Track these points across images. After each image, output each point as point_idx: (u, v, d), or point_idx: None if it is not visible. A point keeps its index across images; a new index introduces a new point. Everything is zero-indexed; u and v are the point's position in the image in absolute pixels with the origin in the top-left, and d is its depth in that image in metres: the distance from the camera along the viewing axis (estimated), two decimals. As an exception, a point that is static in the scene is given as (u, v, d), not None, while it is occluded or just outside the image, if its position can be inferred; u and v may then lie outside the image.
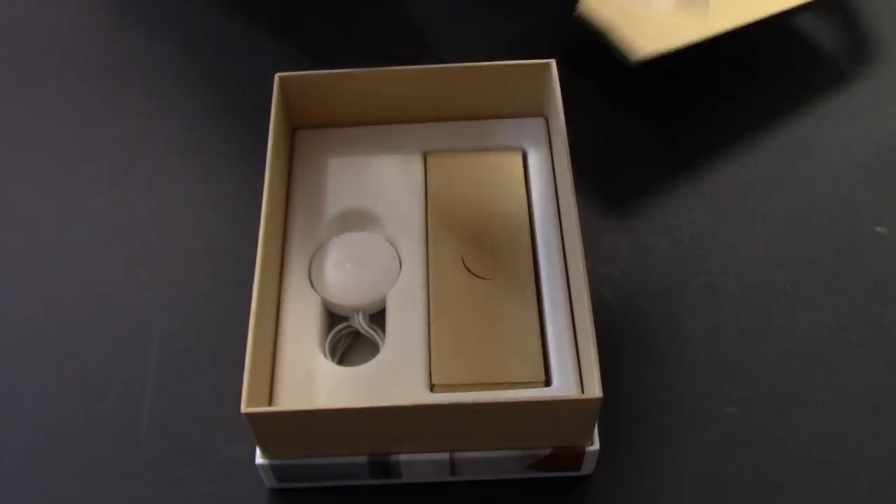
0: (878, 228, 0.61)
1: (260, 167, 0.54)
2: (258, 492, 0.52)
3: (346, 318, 0.56)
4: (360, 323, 0.55)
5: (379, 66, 0.60)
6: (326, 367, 0.52)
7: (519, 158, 0.61)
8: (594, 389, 0.47)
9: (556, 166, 0.59)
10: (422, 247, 0.57)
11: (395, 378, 0.52)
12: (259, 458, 0.50)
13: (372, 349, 0.54)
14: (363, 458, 0.50)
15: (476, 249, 0.57)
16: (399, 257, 0.57)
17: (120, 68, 0.72)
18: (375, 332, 0.55)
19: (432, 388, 0.52)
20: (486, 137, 0.62)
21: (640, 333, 0.57)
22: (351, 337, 0.56)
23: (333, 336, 0.55)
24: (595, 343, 0.47)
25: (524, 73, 0.60)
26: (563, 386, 0.51)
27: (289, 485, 0.52)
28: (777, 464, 0.52)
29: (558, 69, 0.59)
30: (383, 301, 0.55)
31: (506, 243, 0.57)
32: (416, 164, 0.61)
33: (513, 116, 0.63)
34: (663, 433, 0.54)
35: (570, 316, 0.54)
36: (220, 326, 0.58)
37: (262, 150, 0.55)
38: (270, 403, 0.51)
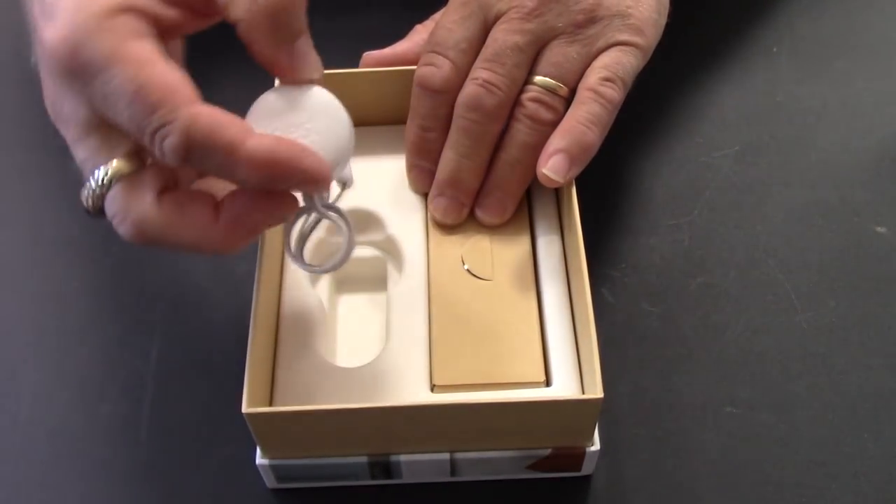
0: (878, 228, 0.61)
1: (260, 167, 0.54)
2: (258, 492, 0.52)
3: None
4: (317, 205, 0.48)
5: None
6: (326, 367, 0.52)
7: (519, 158, 0.61)
8: (595, 389, 0.47)
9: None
10: (422, 247, 0.57)
11: (395, 378, 0.52)
12: (259, 458, 0.50)
13: (337, 245, 0.48)
14: (363, 459, 0.50)
15: (476, 250, 0.57)
16: (348, 117, 0.47)
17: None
18: (336, 212, 0.48)
19: (432, 388, 0.52)
20: (486, 137, 0.62)
21: (640, 333, 0.57)
22: (315, 223, 0.50)
23: (296, 230, 0.49)
24: (595, 343, 0.47)
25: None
26: (563, 386, 0.51)
27: (289, 485, 0.52)
28: (777, 464, 0.52)
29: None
30: (337, 168, 0.47)
31: (506, 243, 0.57)
32: (416, 164, 0.61)
33: (513, 116, 0.63)
34: (663, 433, 0.54)
35: (570, 316, 0.54)
36: (220, 326, 0.58)
37: (263, 150, 0.55)
38: (270, 403, 0.51)
